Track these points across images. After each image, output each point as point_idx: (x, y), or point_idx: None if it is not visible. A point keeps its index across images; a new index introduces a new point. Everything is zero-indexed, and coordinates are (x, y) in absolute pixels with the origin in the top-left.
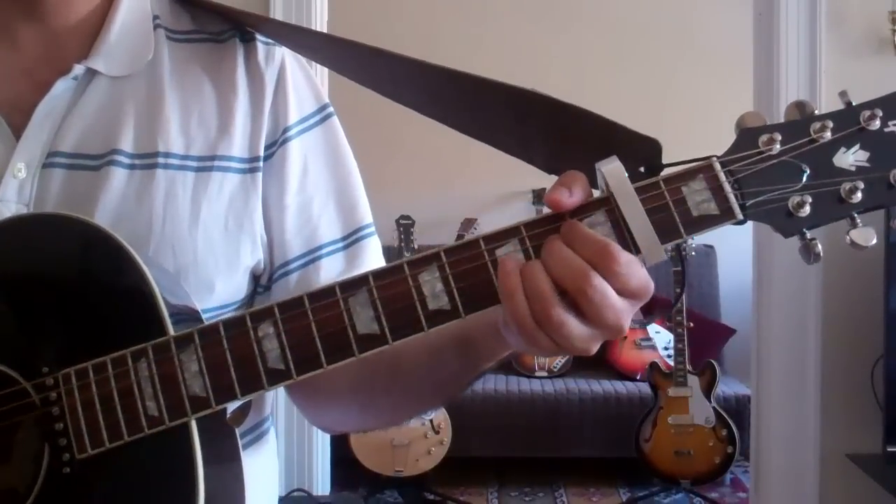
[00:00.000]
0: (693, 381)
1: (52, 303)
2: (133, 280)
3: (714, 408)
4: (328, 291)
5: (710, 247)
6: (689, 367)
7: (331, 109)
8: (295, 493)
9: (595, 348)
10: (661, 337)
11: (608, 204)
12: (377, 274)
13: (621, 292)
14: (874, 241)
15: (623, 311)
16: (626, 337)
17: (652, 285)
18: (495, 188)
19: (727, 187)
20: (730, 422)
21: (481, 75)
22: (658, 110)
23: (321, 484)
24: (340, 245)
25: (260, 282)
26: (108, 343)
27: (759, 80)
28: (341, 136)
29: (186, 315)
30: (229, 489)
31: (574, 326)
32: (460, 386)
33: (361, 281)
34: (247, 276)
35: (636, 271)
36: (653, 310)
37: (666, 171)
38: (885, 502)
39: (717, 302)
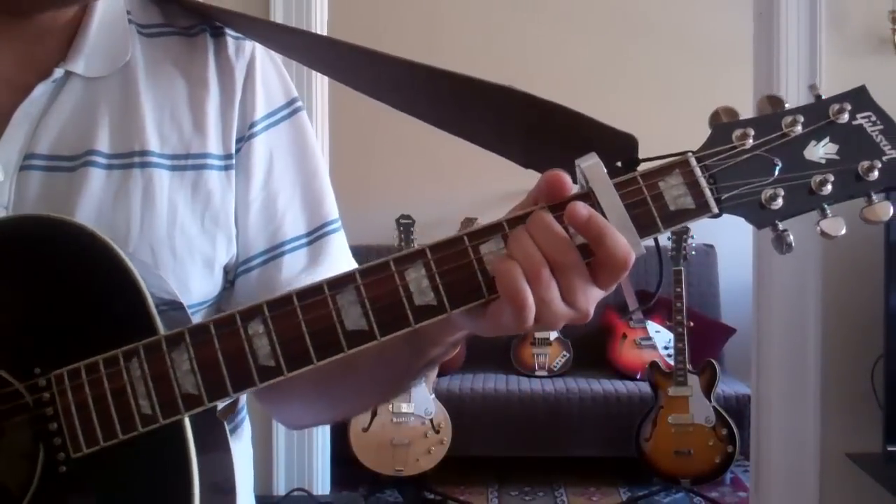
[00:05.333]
0: (693, 380)
1: (42, 303)
2: (120, 278)
3: (714, 407)
4: (316, 289)
5: (710, 246)
6: (689, 366)
7: (299, 104)
8: (295, 493)
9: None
10: (661, 336)
11: (588, 199)
12: (364, 271)
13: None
14: (843, 231)
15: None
16: (626, 336)
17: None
18: (495, 188)
19: (703, 182)
20: (730, 421)
21: (459, 72)
22: (657, 110)
23: (321, 483)
24: (304, 241)
25: (228, 278)
26: (99, 342)
27: (759, 79)
28: (309, 131)
29: (174, 307)
30: (222, 479)
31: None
32: (411, 372)
33: (349, 278)
34: (221, 273)
35: (620, 245)
36: (655, 309)
37: (642, 166)
38: (885, 502)
39: (717, 301)
